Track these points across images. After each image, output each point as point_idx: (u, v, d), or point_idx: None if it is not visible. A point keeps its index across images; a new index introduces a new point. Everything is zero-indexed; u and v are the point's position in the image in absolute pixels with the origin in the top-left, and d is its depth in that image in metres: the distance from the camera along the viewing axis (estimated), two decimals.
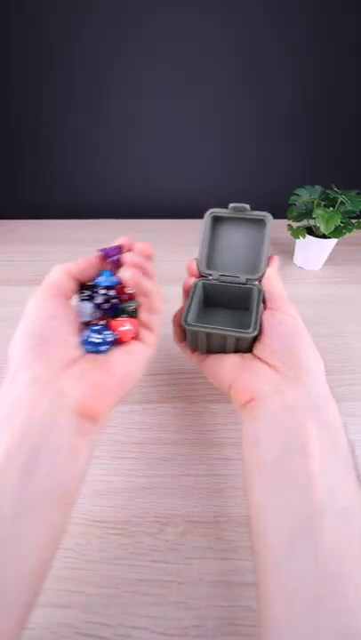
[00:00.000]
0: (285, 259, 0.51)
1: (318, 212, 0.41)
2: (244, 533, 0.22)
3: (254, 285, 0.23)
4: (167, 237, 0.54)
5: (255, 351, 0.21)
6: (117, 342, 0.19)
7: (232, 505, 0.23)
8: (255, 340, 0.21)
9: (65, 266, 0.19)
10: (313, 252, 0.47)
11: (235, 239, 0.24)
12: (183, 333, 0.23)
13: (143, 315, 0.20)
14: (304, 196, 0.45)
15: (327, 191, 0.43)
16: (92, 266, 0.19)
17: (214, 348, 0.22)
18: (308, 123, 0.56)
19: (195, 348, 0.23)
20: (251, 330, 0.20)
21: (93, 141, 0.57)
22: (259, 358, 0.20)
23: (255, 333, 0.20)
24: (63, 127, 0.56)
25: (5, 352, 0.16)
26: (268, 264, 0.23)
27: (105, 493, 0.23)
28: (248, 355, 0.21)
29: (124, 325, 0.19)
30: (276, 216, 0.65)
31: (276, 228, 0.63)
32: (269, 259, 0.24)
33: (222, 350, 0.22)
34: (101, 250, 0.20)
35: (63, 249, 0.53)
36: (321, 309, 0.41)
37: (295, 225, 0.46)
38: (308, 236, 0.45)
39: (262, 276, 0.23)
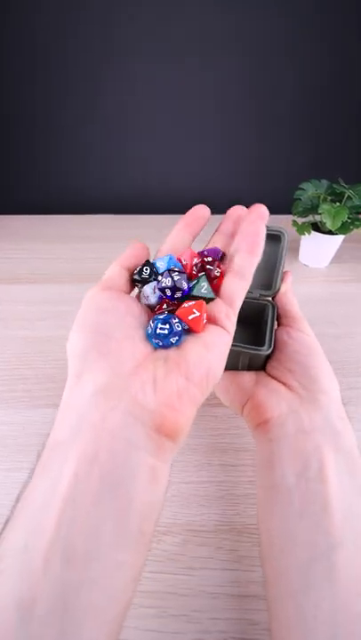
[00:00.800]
0: (290, 256, 0.50)
1: (325, 207, 0.40)
2: (246, 543, 0.21)
3: (268, 301, 0.23)
4: (166, 234, 0.53)
5: (269, 369, 0.21)
6: (190, 332, 0.15)
7: (234, 513, 0.22)
8: (268, 358, 0.21)
9: (117, 260, 0.17)
10: (319, 248, 0.46)
11: None
12: None
13: (231, 282, 0.16)
14: (310, 190, 0.44)
15: (334, 186, 0.42)
16: (140, 249, 0.18)
17: (226, 364, 0.22)
18: (313, 115, 0.55)
19: None
20: (265, 347, 0.20)
21: (88, 141, 0.57)
22: (273, 377, 0.20)
23: (270, 351, 0.20)
24: (59, 124, 0.55)
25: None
26: (282, 280, 0.23)
27: None
28: (262, 373, 0.21)
29: (193, 312, 0.15)
30: (280, 212, 0.65)
31: (281, 224, 0.62)
32: (284, 274, 0.23)
33: (234, 367, 0.22)
34: (200, 252, 0.18)
35: (59, 246, 0.52)
36: (328, 309, 0.40)
37: (300, 221, 0.45)
38: (313, 232, 0.44)
39: (277, 292, 0.23)
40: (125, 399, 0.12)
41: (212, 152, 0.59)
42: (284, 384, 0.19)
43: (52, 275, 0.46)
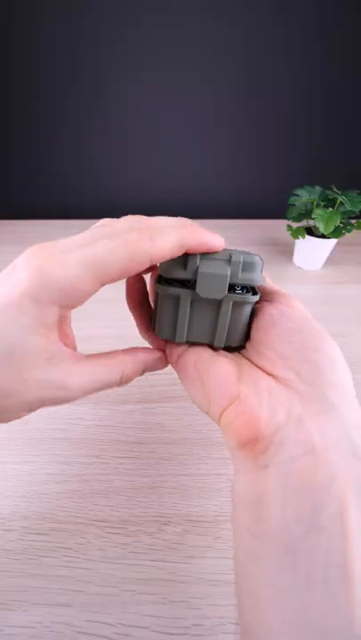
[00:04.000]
0: (285, 259, 0.51)
1: (318, 212, 0.42)
2: None
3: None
4: None
5: (251, 355, 0.14)
6: None
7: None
8: (248, 334, 0.15)
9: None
10: (313, 252, 0.48)
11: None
12: (149, 316, 0.17)
13: None
14: (304, 196, 0.45)
15: (327, 192, 0.44)
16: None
17: (199, 332, 0.15)
18: (308, 122, 0.57)
19: (169, 335, 0.15)
20: (253, 294, 0.14)
21: (89, 154, 0.58)
22: (259, 367, 0.14)
23: (257, 297, 0.14)
24: (60, 132, 0.56)
25: None
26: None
27: (105, 493, 0.23)
28: (243, 359, 0.15)
29: None
30: (276, 216, 0.65)
31: (276, 228, 0.63)
32: None
33: (210, 337, 0.15)
34: None
35: None
36: (321, 309, 0.41)
37: (295, 225, 0.47)
38: (307, 236, 0.46)
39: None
40: None
41: (207, 160, 0.60)
42: (274, 377, 0.13)
43: None
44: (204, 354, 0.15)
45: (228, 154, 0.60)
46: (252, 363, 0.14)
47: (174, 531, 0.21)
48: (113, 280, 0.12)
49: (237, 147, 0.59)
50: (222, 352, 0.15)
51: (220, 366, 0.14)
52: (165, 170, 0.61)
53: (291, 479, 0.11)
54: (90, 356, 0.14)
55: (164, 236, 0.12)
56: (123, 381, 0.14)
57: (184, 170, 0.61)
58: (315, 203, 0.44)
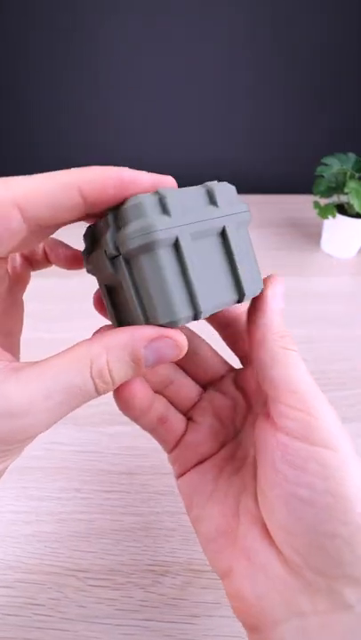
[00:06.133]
0: (311, 244, 0.50)
1: (352, 185, 0.40)
2: None
3: None
4: None
5: (258, 493, 0.13)
6: None
7: None
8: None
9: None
10: (345, 235, 0.46)
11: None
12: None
13: None
14: (334, 166, 0.44)
15: None
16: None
17: (216, 290, 0.12)
18: (336, 79, 0.54)
19: (185, 309, 0.11)
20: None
21: (85, 114, 0.57)
22: (264, 521, 0.13)
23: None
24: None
25: None
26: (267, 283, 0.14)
27: (86, 535, 0.23)
28: (247, 507, 0.13)
29: None
30: (300, 191, 0.64)
31: (301, 205, 0.62)
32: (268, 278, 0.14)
33: (234, 291, 0.12)
34: None
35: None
36: (354, 307, 0.39)
37: (323, 202, 0.46)
38: (338, 215, 0.45)
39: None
40: None
41: (217, 124, 0.58)
42: (276, 551, 0.12)
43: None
44: (200, 486, 0.15)
45: (244, 116, 0.58)
46: (258, 508, 0.13)
47: (173, 583, 0.21)
48: None
49: (255, 108, 0.57)
50: (222, 485, 0.14)
51: (210, 523, 0.14)
52: (171, 135, 0.60)
53: None
54: (38, 362, 0.11)
55: (28, 178, 0.10)
56: (98, 383, 0.11)
57: (192, 134, 0.60)
58: (348, 174, 0.43)
